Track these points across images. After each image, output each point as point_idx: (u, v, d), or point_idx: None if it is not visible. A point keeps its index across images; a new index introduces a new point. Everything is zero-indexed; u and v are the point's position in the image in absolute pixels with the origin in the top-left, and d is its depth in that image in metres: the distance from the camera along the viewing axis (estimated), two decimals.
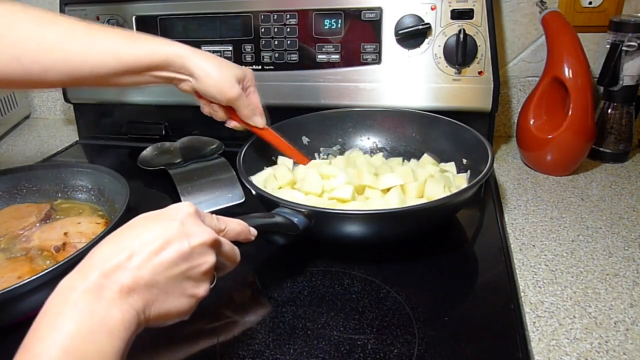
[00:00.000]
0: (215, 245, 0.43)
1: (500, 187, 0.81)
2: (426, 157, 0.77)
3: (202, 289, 0.42)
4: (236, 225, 0.48)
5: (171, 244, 0.39)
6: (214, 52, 0.92)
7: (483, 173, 0.62)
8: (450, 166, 0.75)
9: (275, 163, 0.78)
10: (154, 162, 0.89)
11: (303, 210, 0.57)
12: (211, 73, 0.63)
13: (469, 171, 0.73)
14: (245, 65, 0.92)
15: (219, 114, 0.70)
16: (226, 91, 0.65)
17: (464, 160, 0.74)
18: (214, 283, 0.44)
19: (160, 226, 0.40)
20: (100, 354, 0.33)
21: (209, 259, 0.42)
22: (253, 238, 0.51)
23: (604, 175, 0.83)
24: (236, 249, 0.48)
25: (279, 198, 0.60)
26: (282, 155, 0.77)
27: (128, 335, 0.35)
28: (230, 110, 0.69)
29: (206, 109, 0.70)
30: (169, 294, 0.39)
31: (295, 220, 0.56)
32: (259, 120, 0.71)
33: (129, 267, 0.37)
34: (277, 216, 0.56)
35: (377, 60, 0.87)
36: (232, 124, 0.72)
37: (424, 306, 0.54)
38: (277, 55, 0.91)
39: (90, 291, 0.35)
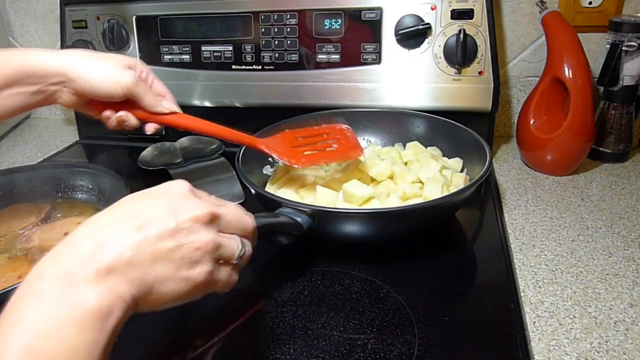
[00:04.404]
0: (212, 221, 0.38)
1: (500, 187, 0.81)
2: (429, 150, 0.77)
3: (198, 271, 0.37)
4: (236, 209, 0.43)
5: (157, 219, 0.35)
6: (214, 52, 0.93)
7: (481, 173, 0.62)
8: (455, 162, 0.75)
9: (273, 163, 0.78)
10: (154, 162, 0.89)
11: (306, 209, 0.57)
12: (89, 63, 0.53)
13: (466, 169, 0.73)
14: (245, 65, 0.93)
15: (131, 119, 0.58)
16: (119, 77, 0.53)
17: (463, 161, 0.74)
18: (236, 278, 0.42)
19: (146, 202, 0.37)
20: (70, 350, 0.29)
21: (202, 237, 0.37)
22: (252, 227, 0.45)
23: (604, 175, 0.83)
24: (244, 217, 0.43)
25: (281, 198, 0.60)
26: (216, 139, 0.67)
27: (108, 325, 0.31)
28: (140, 112, 0.58)
29: (112, 121, 0.58)
30: (159, 273, 0.35)
31: (299, 219, 0.56)
32: (168, 104, 0.59)
33: (109, 244, 0.33)
34: (281, 216, 0.56)
35: (377, 60, 0.87)
36: (150, 127, 0.60)
37: (424, 306, 0.54)
38: (277, 55, 0.91)
39: (60, 277, 0.31)
